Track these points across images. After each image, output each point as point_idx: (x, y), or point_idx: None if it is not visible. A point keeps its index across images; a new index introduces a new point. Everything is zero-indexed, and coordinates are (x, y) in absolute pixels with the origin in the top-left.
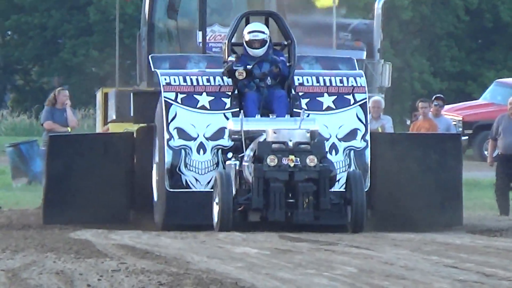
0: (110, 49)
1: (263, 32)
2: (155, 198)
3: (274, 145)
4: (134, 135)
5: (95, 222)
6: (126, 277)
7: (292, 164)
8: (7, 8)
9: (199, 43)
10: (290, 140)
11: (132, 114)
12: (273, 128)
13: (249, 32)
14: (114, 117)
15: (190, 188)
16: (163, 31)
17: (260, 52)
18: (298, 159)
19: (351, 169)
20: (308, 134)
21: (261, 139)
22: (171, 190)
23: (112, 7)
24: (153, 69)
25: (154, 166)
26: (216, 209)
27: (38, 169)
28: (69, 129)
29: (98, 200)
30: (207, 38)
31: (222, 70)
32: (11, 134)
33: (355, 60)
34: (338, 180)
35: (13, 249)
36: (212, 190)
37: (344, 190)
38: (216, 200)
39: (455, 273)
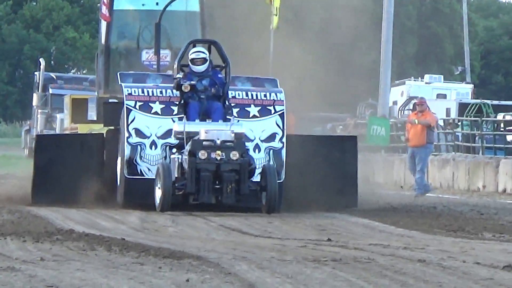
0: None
1: (204, 53)
2: (118, 183)
3: (205, 143)
4: (104, 135)
5: (72, 201)
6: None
7: (218, 158)
8: None
9: (143, 61)
10: (218, 139)
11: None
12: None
13: (193, 52)
14: (95, 118)
15: (144, 176)
16: (115, 52)
17: (201, 68)
18: (224, 154)
19: (266, 163)
20: (233, 135)
21: (196, 137)
22: (129, 177)
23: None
24: (119, 83)
25: (119, 158)
26: (158, 193)
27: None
28: None
29: (74, 184)
30: (149, 57)
31: (173, 85)
32: None
33: (278, 81)
34: (260, 173)
35: None
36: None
37: (259, 180)
38: (158, 185)
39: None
